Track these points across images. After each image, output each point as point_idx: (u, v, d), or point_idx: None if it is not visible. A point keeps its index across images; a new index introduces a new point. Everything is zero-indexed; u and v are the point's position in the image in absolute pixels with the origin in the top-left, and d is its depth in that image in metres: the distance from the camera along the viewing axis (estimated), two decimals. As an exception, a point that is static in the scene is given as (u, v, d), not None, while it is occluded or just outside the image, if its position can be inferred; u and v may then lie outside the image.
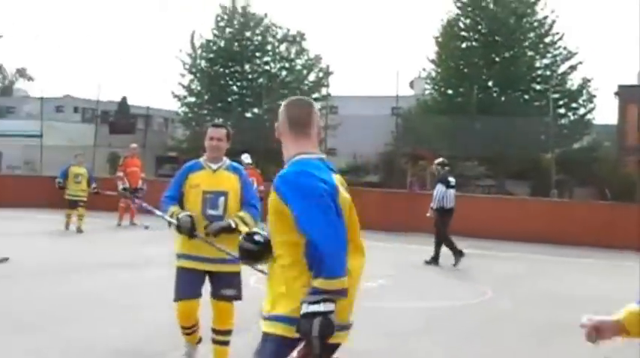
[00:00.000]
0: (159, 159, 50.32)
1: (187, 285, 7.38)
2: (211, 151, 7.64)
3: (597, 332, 3.44)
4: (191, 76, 49.00)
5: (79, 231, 22.52)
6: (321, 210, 3.72)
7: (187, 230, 7.25)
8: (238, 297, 7.52)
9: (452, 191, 18.51)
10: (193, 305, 7.41)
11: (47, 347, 8.71)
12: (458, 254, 18.00)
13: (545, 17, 45.16)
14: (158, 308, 10.25)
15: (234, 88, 49.24)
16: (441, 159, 19.37)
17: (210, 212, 7.41)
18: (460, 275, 16.94)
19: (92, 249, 19.11)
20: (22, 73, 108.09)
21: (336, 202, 3.87)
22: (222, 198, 7.48)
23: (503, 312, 12.43)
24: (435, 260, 18.18)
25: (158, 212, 8.03)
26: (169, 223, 7.50)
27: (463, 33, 46.08)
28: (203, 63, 49.02)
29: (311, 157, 4.13)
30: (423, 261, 18.27)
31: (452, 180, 18.73)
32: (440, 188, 18.44)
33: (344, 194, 4.04)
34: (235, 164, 7.86)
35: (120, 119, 52.00)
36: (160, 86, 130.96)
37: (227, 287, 7.46)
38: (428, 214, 18.77)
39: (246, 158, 22.48)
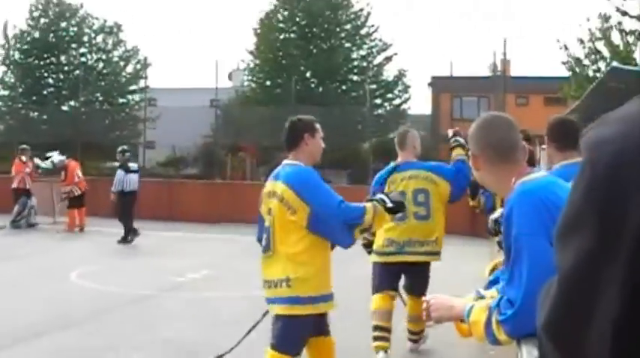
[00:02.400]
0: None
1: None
2: (320, 155, 6.46)
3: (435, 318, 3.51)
4: (4, 68, 47.47)
5: None
6: None
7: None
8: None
9: (132, 176, 20.47)
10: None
11: None
12: (133, 233, 20.27)
13: (361, 9, 46.00)
14: None
15: (50, 80, 47.90)
16: (121, 148, 21.45)
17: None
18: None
19: None
20: None
21: None
22: None
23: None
24: (125, 239, 20.17)
25: None
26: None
27: (281, 25, 46.38)
28: (17, 54, 47.49)
29: None
30: (116, 242, 19.97)
31: (132, 165, 20.95)
32: (120, 173, 20.41)
33: None
34: None
35: None
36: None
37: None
38: (112, 198, 20.73)
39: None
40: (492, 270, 4.41)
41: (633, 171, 1.17)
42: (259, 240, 6.48)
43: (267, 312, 6.49)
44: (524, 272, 2.98)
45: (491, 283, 3.80)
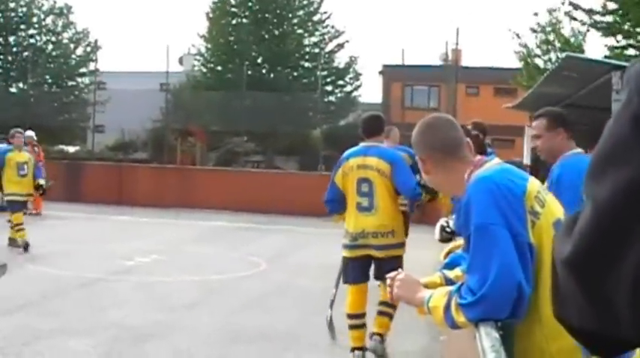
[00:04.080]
0: None
1: None
2: None
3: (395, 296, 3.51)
4: (-49, 49, 46.73)
5: (27, 247, 15.59)
6: None
7: None
8: None
9: None
10: None
11: None
12: None
13: (314, -4, 45.95)
14: None
15: (-2, 61, 47.36)
16: None
17: None
18: (233, 248, 17.11)
19: None
20: None
21: None
22: None
23: (277, 283, 12.67)
24: None
25: None
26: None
27: (234, 9, 46.14)
28: (-37, 34, 46.79)
29: None
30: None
31: None
32: None
33: None
34: None
35: None
36: None
37: None
38: None
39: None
40: (447, 254, 4.44)
41: None
42: (327, 202, 8.37)
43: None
44: (485, 262, 2.98)
45: (448, 265, 3.82)
